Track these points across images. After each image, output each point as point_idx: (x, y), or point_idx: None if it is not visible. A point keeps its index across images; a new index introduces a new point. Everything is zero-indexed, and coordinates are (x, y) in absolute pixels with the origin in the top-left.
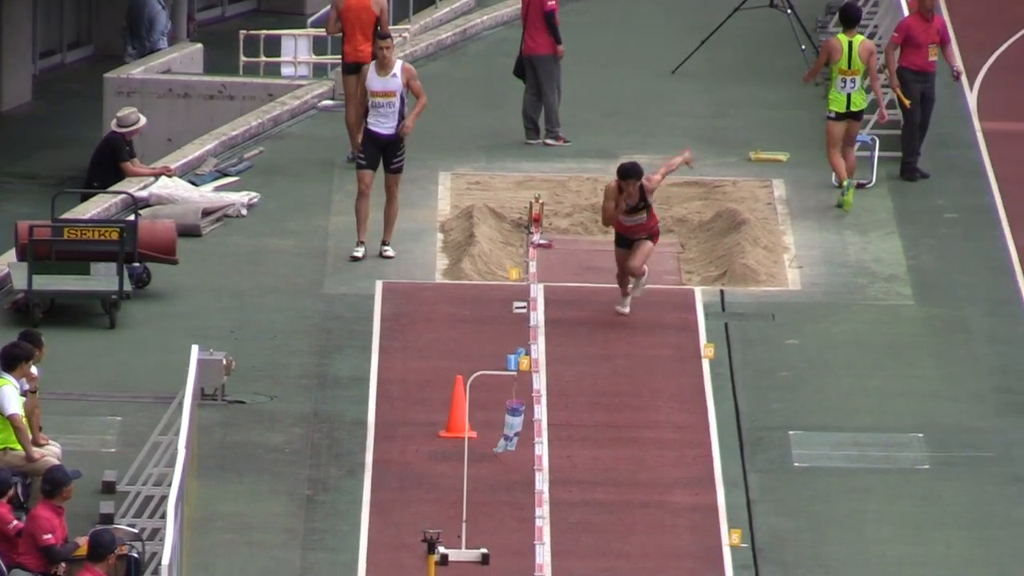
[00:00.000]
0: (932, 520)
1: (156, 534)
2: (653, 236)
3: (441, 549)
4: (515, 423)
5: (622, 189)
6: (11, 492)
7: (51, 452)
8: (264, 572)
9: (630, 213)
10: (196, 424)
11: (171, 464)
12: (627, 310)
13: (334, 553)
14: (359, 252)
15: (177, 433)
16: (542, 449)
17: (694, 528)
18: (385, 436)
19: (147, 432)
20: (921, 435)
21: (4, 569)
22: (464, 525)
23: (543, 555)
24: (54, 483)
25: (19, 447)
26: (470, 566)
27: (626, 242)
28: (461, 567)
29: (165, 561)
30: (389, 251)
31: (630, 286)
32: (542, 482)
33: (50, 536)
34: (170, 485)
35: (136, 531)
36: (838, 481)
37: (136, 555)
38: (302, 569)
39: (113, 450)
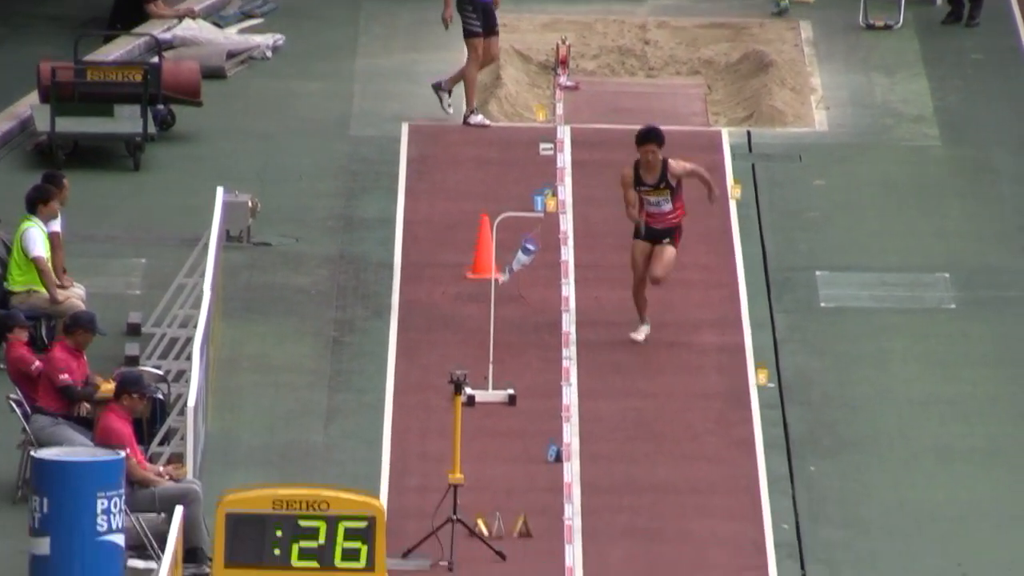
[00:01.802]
0: (958, 359)
1: (181, 376)
2: (675, 237)
3: (468, 390)
4: (524, 259)
5: (639, 171)
6: (27, 332)
7: (75, 294)
8: (290, 413)
9: (650, 193)
10: (221, 266)
11: (196, 306)
12: (642, 337)
13: (360, 394)
14: (478, 118)
15: (202, 275)
16: (569, 290)
17: (721, 368)
18: (411, 277)
19: (172, 274)
20: (947, 275)
21: (28, 411)
22: (491, 366)
23: (570, 396)
24: (76, 320)
25: (43, 289)
26: (497, 407)
27: (647, 233)
28: (488, 408)
29: (190, 403)
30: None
31: (645, 320)
32: (569, 323)
33: (66, 376)
34: (195, 327)
35: (161, 373)
36: (864, 321)
37: (161, 397)
38: (328, 410)
39: (138, 292)
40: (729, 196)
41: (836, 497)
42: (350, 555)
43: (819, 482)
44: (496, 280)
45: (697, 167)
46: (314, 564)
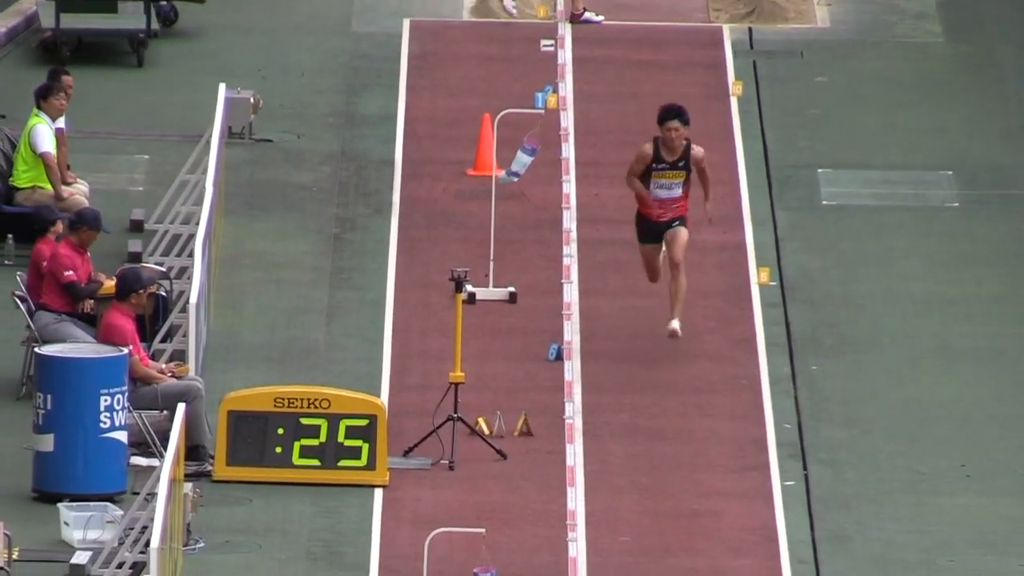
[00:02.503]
0: (962, 257)
1: (184, 272)
2: (686, 220)
3: (468, 288)
4: (525, 161)
5: (658, 148)
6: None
7: (79, 191)
8: (291, 310)
9: (666, 174)
10: (224, 162)
11: (199, 203)
12: (678, 326)
13: (361, 291)
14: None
15: (205, 171)
16: (569, 187)
17: (722, 266)
18: (412, 175)
19: (175, 171)
20: (951, 173)
21: (32, 308)
22: (491, 264)
23: (570, 293)
24: (81, 217)
25: (48, 186)
26: (497, 305)
27: (652, 232)
28: (488, 306)
29: (193, 299)
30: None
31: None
32: (570, 220)
33: (71, 273)
34: (198, 224)
35: (164, 269)
36: (867, 219)
37: (164, 293)
38: (329, 307)
39: (141, 189)
40: (731, 93)
41: (838, 397)
42: (351, 454)
43: (821, 382)
44: (496, 178)
45: (704, 165)
46: (315, 463)
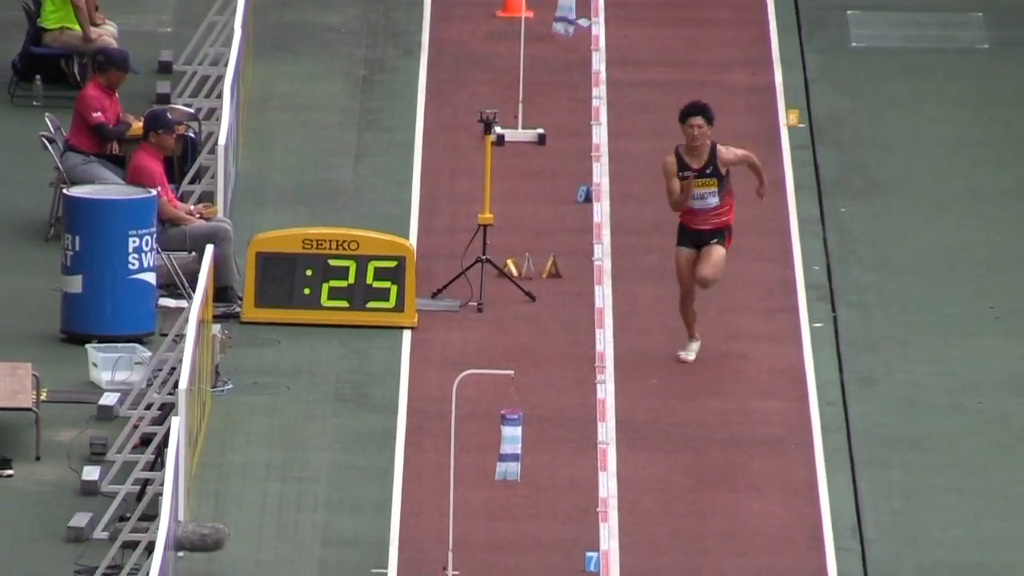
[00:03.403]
0: (990, 100)
1: (212, 114)
2: (726, 236)
3: (497, 129)
4: (569, 3)
5: (681, 156)
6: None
7: (107, 32)
8: (320, 152)
9: (696, 183)
10: (252, 4)
11: (227, 44)
12: (692, 356)
13: (390, 133)
14: None
15: (233, 13)
16: (599, 28)
17: (751, 108)
18: (442, 16)
19: (203, 12)
20: (980, 14)
21: (61, 149)
22: (520, 105)
23: (599, 135)
24: (108, 58)
25: (77, 26)
26: (526, 146)
27: (690, 237)
28: (517, 147)
29: (221, 141)
30: None
31: (694, 337)
32: (599, 62)
33: (99, 114)
34: (226, 65)
35: (192, 111)
36: (896, 61)
37: (192, 135)
38: (358, 148)
39: (169, 30)
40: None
41: (867, 239)
42: (379, 295)
43: (850, 224)
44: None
45: (748, 153)
46: (344, 304)
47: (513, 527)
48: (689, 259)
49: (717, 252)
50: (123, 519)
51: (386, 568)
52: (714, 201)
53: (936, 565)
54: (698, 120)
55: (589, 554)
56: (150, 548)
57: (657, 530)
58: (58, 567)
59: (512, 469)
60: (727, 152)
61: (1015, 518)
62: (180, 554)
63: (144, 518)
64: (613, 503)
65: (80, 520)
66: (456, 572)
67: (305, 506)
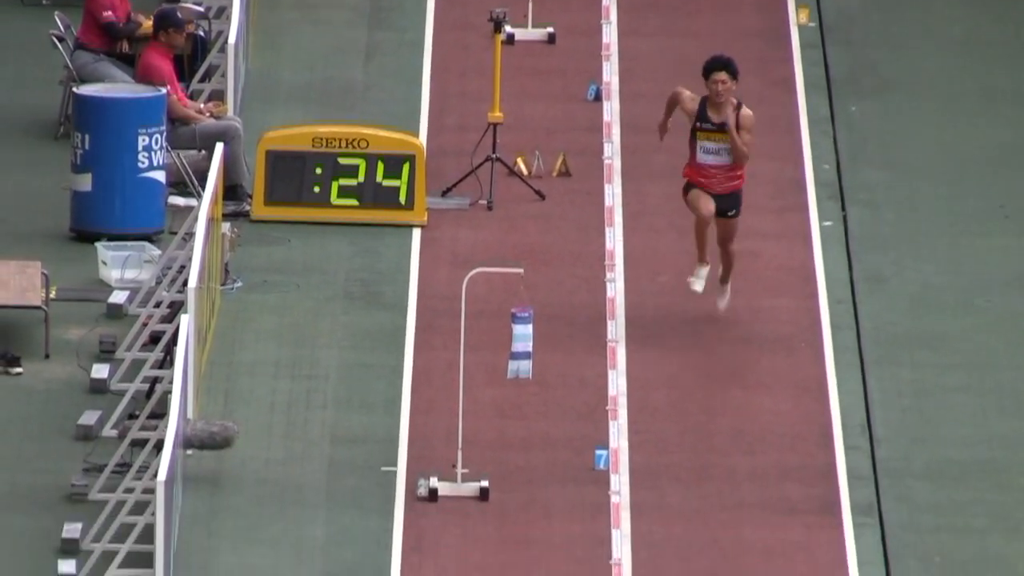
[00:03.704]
0: None
1: (222, 12)
2: (738, 202)
3: (507, 28)
4: None
5: (704, 106)
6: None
7: None
8: (330, 50)
9: (712, 136)
10: None
11: None
12: (701, 287)
13: (400, 32)
14: None
15: None
16: None
17: (761, 6)
18: None
19: None
20: None
21: (71, 47)
22: (530, 4)
23: (610, 34)
24: None
25: None
26: (536, 44)
27: (702, 190)
28: (527, 46)
29: (231, 40)
30: None
31: (718, 284)
32: None
33: (109, 12)
34: None
35: (202, 9)
36: None
37: (202, 33)
38: (368, 47)
39: None
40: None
41: (877, 138)
42: (389, 193)
43: (860, 123)
44: None
45: (751, 137)
46: (354, 202)
47: (523, 425)
48: (707, 198)
49: (733, 228)
50: (132, 417)
51: (395, 466)
52: (727, 160)
53: (945, 463)
54: (722, 75)
55: (599, 452)
56: (159, 446)
57: (666, 428)
58: (67, 465)
59: (524, 367)
60: (747, 118)
61: (1023, 416)
62: (189, 452)
63: (153, 416)
64: (622, 401)
65: (89, 418)
66: (465, 470)
67: (314, 404)
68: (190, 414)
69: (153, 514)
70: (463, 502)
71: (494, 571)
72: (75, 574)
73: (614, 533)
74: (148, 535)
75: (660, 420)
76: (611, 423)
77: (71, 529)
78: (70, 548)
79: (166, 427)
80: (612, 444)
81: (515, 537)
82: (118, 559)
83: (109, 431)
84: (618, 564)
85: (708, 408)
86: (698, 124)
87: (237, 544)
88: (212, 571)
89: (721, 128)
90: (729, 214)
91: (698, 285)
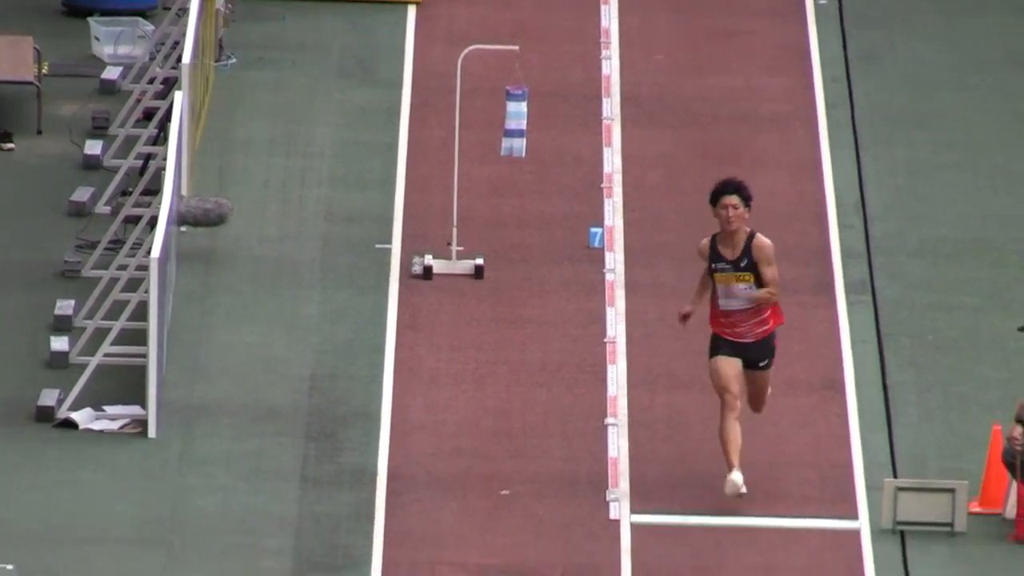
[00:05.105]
0: None
1: None
2: (772, 351)
3: None
4: None
5: (716, 243)
6: None
7: None
8: None
9: (728, 277)
10: None
11: None
12: (742, 486)
13: None
14: None
15: None
16: None
17: None
18: None
19: None
20: None
21: None
22: None
23: None
24: None
25: None
26: None
27: (730, 347)
28: None
29: None
30: None
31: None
32: None
33: None
34: None
35: None
36: None
37: None
38: None
39: None
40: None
41: None
42: None
43: None
44: None
45: (774, 275)
46: None
47: (517, 203)
48: (733, 365)
49: (764, 382)
50: (125, 194)
51: (389, 243)
52: (750, 296)
53: (938, 241)
54: (732, 199)
55: (593, 230)
56: (152, 223)
57: (662, 206)
58: (60, 241)
59: (517, 145)
60: (766, 246)
61: (1017, 194)
62: (183, 229)
63: (146, 193)
64: (618, 179)
65: (82, 194)
66: (460, 247)
67: (309, 182)
68: (184, 191)
69: (146, 291)
70: (457, 280)
71: (488, 348)
72: (67, 351)
73: (608, 311)
74: (141, 312)
75: (655, 198)
76: (606, 201)
77: (64, 306)
78: (63, 325)
79: (159, 204)
80: (607, 222)
81: (509, 315)
82: (111, 336)
83: (102, 208)
84: (612, 342)
85: (703, 187)
86: (713, 266)
87: (231, 322)
88: (206, 349)
89: (737, 266)
90: (760, 365)
91: (735, 488)
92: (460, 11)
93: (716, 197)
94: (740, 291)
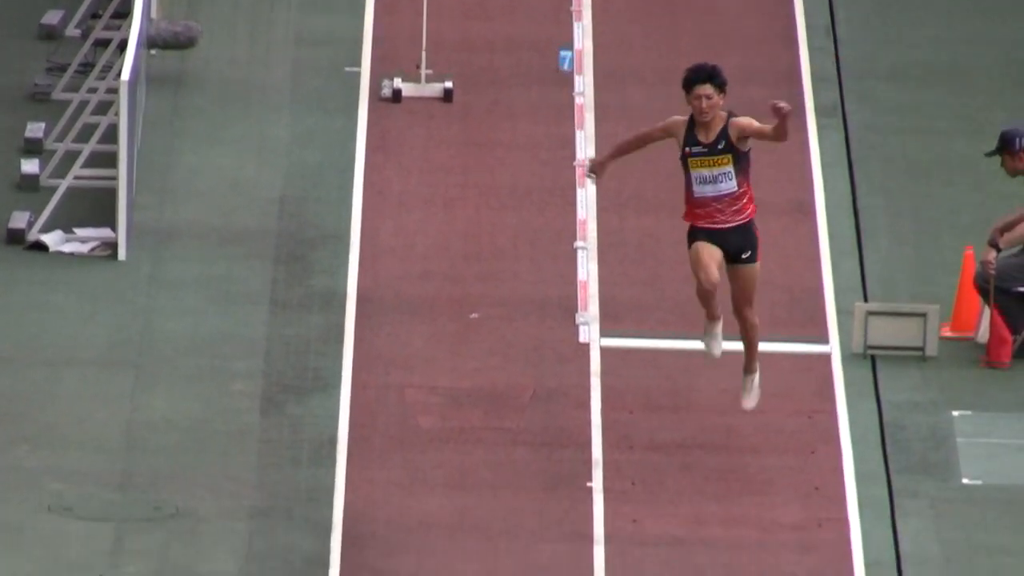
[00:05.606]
0: None
1: None
2: (757, 243)
3: None
4: None
5: (693, 127)
6: None
7: None
8: None
9: (703, 162)
10: None
11: None
12: (719, 350)
13: None
14: None
15: None
16: None
17: None
18: None
19: None
20: None
21: None
22: None
23: None
24: None
25: None
26: None
27: (707, 235)
28: None
29: None
30: None
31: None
32: None
33: None
34: None
35: None
36: None
37: None
38: None
39: None
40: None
41: None
42: None
43: None
44: None
45: (763, 128)
46: None
47: (487, 26)
48: (712, 254)
49: (750, 275)
50: (95, 16)
51: (359, 67)
52: (729, 185)
53: (909, 64)
54: (706, 89)
55: (563, 53)
56: (122, 46)
57: (631, 29)
58: (30, 64)
59: None
60: (745, 123)
61: (989, 17)
62: (153, 52)
63: (116, 16)
64: (587, 1)
65: (52, 17)
66: (429, 71)
67: (279, 4)
68: (153, 14)
69: (116, 114)
70: (427, 103)
71: (457, 172)
72: (38, 173)
73: (578, 134)
74: (111, 135)
75: (625, 21)
76: (575, 24)
77: (34, 128)
78: (33, 147)
79: (129, 27)
80: (576, 45)
81: (479, 138)
82: (81, 159)
83: (72, 31)
84: (582, 165)
85: (673, 10)
86: (687, 150)
87: (200, 144)
88: (175, 171)
89: (712, 150)
90: (743, 257)
91: (715, 348)
92: None
93: (688, 85)
94: (717, 176)
